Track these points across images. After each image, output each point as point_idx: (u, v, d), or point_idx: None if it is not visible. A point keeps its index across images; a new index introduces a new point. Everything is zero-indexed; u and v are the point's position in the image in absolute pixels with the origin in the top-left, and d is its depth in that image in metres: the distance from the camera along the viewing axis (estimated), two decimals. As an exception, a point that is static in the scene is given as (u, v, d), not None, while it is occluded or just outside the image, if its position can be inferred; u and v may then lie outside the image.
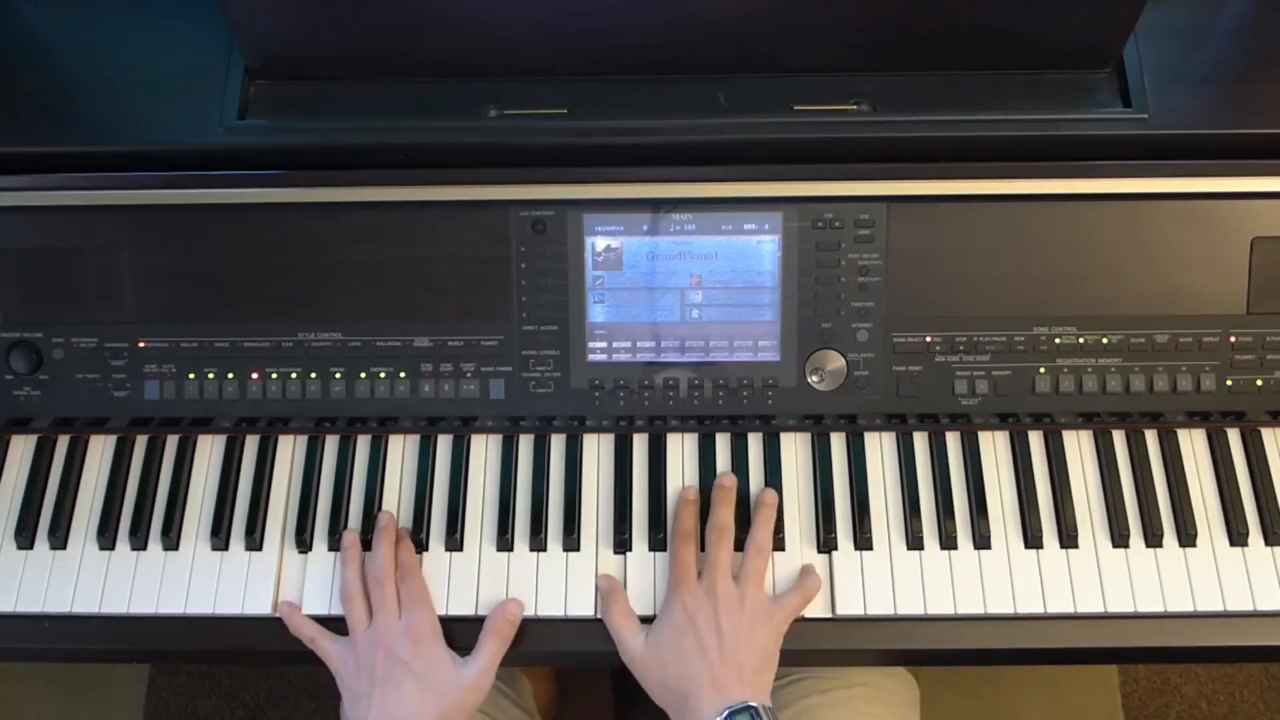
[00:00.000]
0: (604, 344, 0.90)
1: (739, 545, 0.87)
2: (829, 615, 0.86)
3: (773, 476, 0.91)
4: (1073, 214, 0.87)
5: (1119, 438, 0.92)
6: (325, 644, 0.85)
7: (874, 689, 0.97)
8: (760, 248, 0.88)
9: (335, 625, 0.86)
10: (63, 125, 0.89)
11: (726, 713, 0.77)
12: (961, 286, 0.88)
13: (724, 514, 0.87)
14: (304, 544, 0.89)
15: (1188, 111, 0.86)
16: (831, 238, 0.88)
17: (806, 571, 0.86)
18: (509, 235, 0.88)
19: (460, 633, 0.85)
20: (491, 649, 0.84)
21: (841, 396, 0.90)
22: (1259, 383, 0.89)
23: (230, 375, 0.90)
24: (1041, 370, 0.89)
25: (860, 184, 0.87)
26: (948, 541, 0.88)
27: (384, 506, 0.91)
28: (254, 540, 0.89)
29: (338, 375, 0.90)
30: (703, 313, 0.89)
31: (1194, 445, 0.92)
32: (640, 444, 0.93)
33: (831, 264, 0.88)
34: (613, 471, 0.92)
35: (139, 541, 0.90)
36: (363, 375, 0.90)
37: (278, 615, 0.87)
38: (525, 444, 0.93)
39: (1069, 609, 0.86)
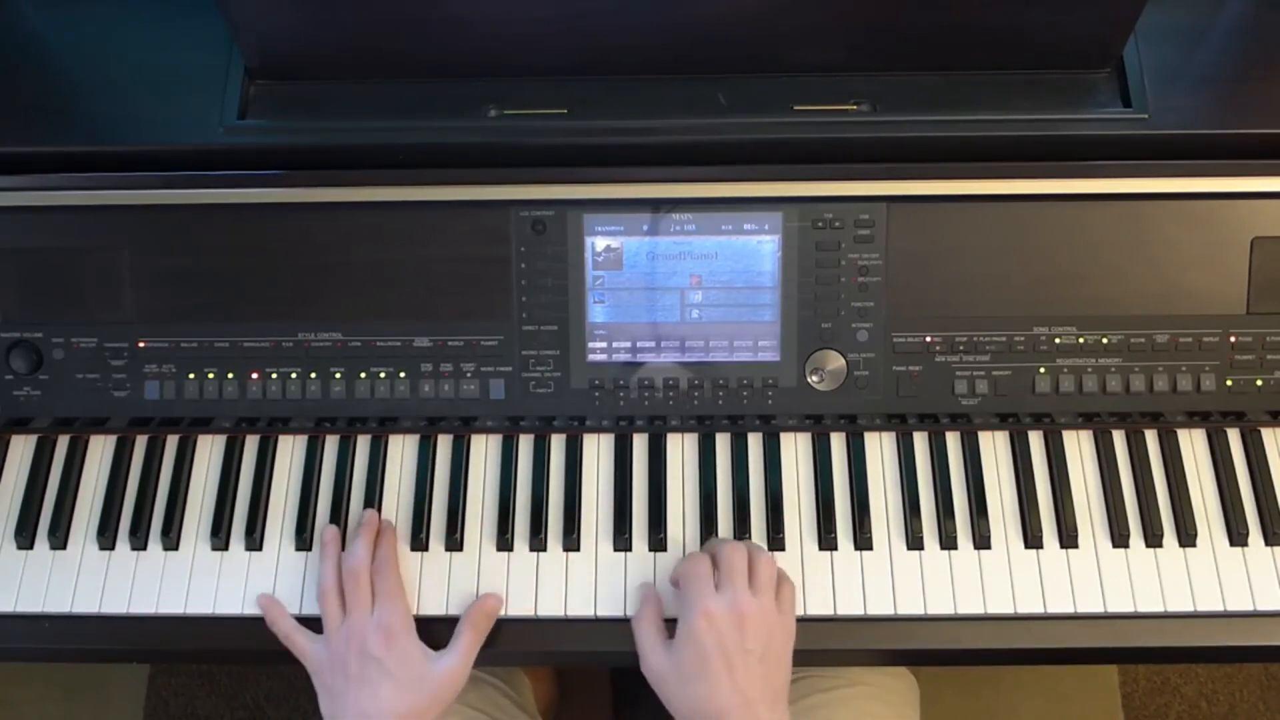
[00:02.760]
0: (604, 344, 0.90)
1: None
2: (829, 615, 0.86)
3: (773, 476, 0.91)
4: (1073, 214, 0.87)
5: (1119, 438, 0.92)
6: (299, 640, 0.84)
7: (876, 688, 0.97)
8: (760, 248, 0.88)
9: (335, 625, 0.86)
10: (63, 125, 0.89)
11: None
12: (961, 286, 0.88)
13: (729, 537, 0.86)
14: (304, 544, 0.89)
15: (1188, 111, 0.86)
16: (831, 238, 0.88)
17: (780, 575, 0.85)
18: (509, 235, 0.88)
19: (460, 633, 0.85)
20: (467, 641, 0.83)
21: (841, 396, 0.90)
22: (1259, 383, 0.89)
23: (230, 375, 0.90)
24: (1041, 370, 0.89)
25: (860, 184, 0.87)
26: (948, 541, 0.88)
27: (384, 506, 0.91)
28: (254, 540, 0.89)
29: (338, 375, 0.90)
30: (703, 313, 0.89)
31: (1194, 445, 0.92)
32: (640, 444, 0.93)
33: (831, 264, 0.88)
34: (613, 471, 0.92)
35: (139, 541, 0.90)
36: (363, 375, 0.90)
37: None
38: (525, 444, 0.93)
39: (1069, 609, 0.86)
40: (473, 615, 0.85)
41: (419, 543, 0.89)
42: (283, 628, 0.85)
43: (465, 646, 0.83)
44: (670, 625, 0.82)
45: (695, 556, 0.84)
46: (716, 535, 0.89)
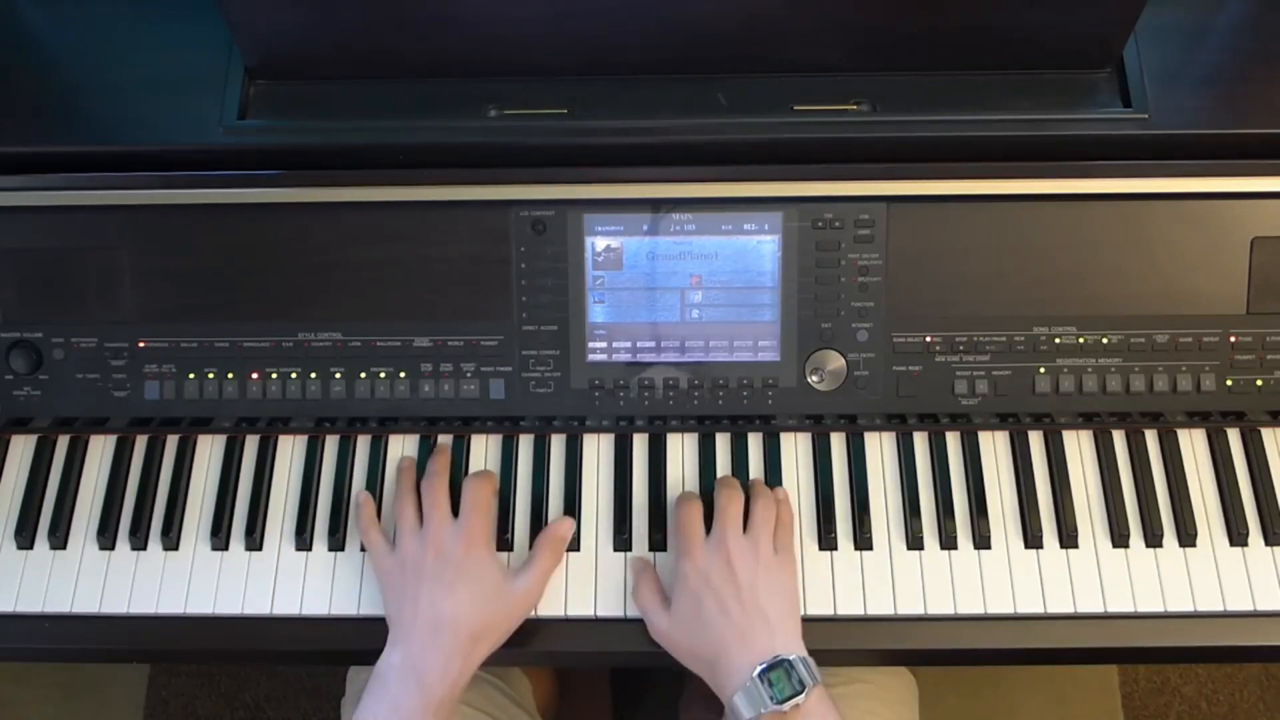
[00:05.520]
0: (604, 344, 0.90)
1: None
2: (829, 615, 0.86)
3: (773, 476, 0.91)
4: (1073, 214, 0.87)
5: (1119, 438, 0.92)
6: (375, 537, 0.86)
7: (874, 686, 0.97)
8: (760, 248, 0.88)
9: (335, 626, 0.86)
10: (63, 125, 0.89)
11: (759, 672, 0.75)
12: (961, 286, 0.88)
13: (730, 480, 0.88)
14: (304, 544, 0.89)
15: (1188, 111, 0.86)
16: (831, 238, 0.88)
17: (780, 502, 0.87)
18: (509, 235, 0.88)
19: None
20: (544, 563, 0.84)
21: (841, 396, 0.90)
22: (1259, 383, 0.89)
23: (230, 375, 0.90)
24: (1041, 370, 0.89)
25: (860, 184, 0.87)
26: (948, 541, 0.88)
27: (384, 506, 0.91)
28: (254, 540, 0.89)
29: (338, 375, 0.90)
30: (703, 313, 0.89)
31: (1194, 445, 0.92)
32: (640, 444, 0.93)
33: (831, 264, 0.88)
34: (613, 471, 0.92)
35: (139, 541, 0.90)
36: (363, 375, 0.90)
37: (277, 615, 0.87)
38: (525, 444, 0.93)
39: (1069, 609, 0.86)
40: (547, 537, 0.86)
41: (419, 543, 0.89)
42: (362, 521, 0.87)
43: (541, 568, 0.84)
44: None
45: (688, 509, 0.85)
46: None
